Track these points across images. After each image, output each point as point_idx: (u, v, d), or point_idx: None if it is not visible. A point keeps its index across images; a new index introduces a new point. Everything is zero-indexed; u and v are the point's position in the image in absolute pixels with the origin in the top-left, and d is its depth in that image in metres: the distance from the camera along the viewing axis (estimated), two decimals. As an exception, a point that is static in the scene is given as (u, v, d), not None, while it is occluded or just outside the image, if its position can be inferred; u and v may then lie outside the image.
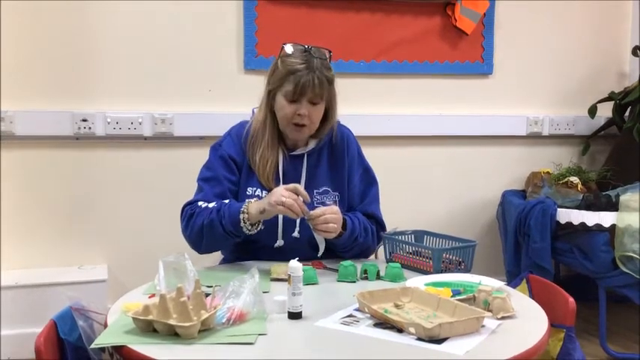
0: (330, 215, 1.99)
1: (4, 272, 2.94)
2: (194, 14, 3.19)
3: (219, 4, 3.22)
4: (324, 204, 2.12)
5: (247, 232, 1.98)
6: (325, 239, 2.09)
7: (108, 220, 3.15)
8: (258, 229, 2.00)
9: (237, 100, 3.24)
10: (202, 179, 2.14)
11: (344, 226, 2.07)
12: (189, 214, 2.05)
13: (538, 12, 3.72)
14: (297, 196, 1.94)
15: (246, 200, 2.00)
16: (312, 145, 2.16)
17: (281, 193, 1.92)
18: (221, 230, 1.99)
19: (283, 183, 2.10)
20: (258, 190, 2.11)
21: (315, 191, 2.14)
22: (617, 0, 3.87)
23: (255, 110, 2.20)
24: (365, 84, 3.45)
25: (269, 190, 2.07)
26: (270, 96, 2.10)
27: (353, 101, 3.38)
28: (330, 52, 2.10)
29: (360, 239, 2.13)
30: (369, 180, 2.26)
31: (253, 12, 3.24)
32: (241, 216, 1.96)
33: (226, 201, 2.03)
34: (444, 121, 3.59)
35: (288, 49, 2.06)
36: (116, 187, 3.15)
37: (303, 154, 2.16)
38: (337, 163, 2.20)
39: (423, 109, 3.57)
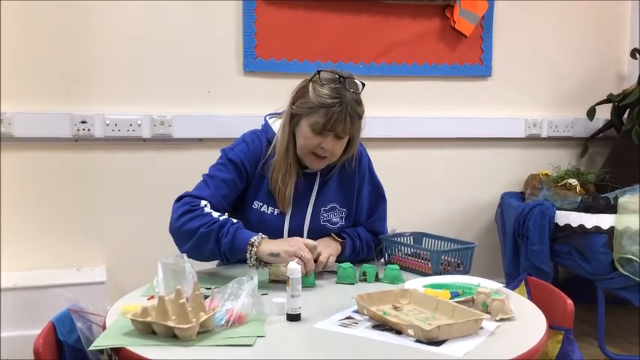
0: (320, 260, 1.96)
1: (3, 274, 2.94)
2: (193, 16, 3.19)
3: (219, 6, 3.22)
4: (330, 222, 2.12)
5: (250, 265, 1.88)
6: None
7: (107, 221, 3.15)
8: (259, 268, 1.88)
9: (237, 102, 3.25)
10: (211, 176, 2.05)
11: (343, 241, 2.10)
12: (188, 209, 1.94)
13: (537, 14, 3.73)
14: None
15: (260, 235, 1.90)
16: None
17: (301, 248, 1.85)
18: (213, 247, 1.90)
19: (294, 200, 2.08)
20: (264, 206, 2.08)
21: (322, 209, 2.12)
22: (615, 1, 3.88)
23: (267, 119, 2.16)
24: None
25: (275, 207, 2.07)
26: (294, 120, 2.03)
27: (352, 103, 3.38)
28: (363, 84, 2.03)
29: (361, 255, 2.15)
30: (377, 197, 2.24)
31: (252, 14, 3.24)
32: (250, 248, 1.87)
33: (235, 220, 1.94)
34: (442, 123, 3.60)
35: (323, 76, 1.98)
36: (115, 188, 3.15)
37: (317, 172, 2.12)
38: (348, 179, 2.16)
39: (421, 111, 3.57)
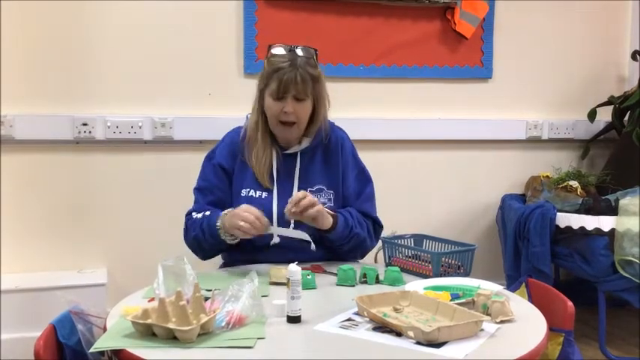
0: (303, 202, 1.99)
1: (4, 276, 2.94)
2: (194, 18, 3.19)
3: (219, 8, 3.22)
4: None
5: (231, 242, 2.05)
6: (320, 236, 2.11)
7: (108, 223, 3.15)
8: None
9: (237, 104, 3.22)
10: (197, 189, 2.22)
11: (335, 220, 2.10)
12: (185, 227, 2.16)
13: (538, 16, 3.73)
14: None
15: (222, 213, 2.04)
16: (305, 143, 2.19)
17: (241, 217, 1.95)
18: (207, 245, 2.11)
19: (277, 182, 2.16)
20: (252, 191, 2.15)
21: (309, 189, 2.15)
22: (616, 4, 3.88)
23: (248, 116, 2.25)
24: (364, 88, 3.45)
25: (264, 190, 2.14)
26: (261, 97, 2.15)
27: (352, 105, 3.38)
28: (316, 50, 2.13)
29: (355, 230, 2.15)
30: (363, 178, 2.28)
31: (253, 16, 3.24)
32: (220, 232, 2.04)
33: (207, 213, 2.09)
34: (443, 125, 3.59)
35: (274, 49, 2.10)
36: (116, 190, 3.15)
37: (297, 153, 2.19)
38: (331, 162, 2.22)
39: (422, 113, 3.57)
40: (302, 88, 2.06)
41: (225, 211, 2.04)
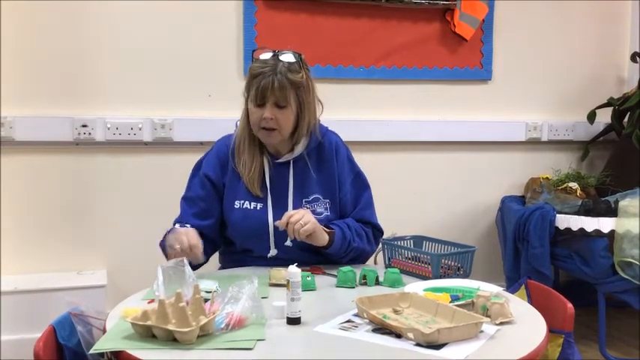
0: (293, 218, 1.96)
1: (4, 277, 2.94)
2: (194, 20, 3.19)
3: (219, 10, 3.23)
4: (315, 212, 2.09)
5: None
6: (319, 251, 2.09)
7: (107, 225, 3.16)
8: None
9: (237, 105, 3.19)
10: (182, 198, 2.17)
11: (331, 237, 2.06)
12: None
13: (537, 18, 3.73)
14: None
15: (169, 236, 1.96)
16: (297, 151, 2.13)
17: (178, 240, 1.88)
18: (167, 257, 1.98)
19: (270, 191, 2.10)
20: (246, 202, 2.10)
21: (304, 200, 2.12)
22: (615, 4, 3.88)
23: (237, 123, 2.20)
24: (364, 89, 3.45)
25: (258, 201, 2.09)
26: (246, 103, 2.11)
27: (352, 107, 3.39)
28: (301, 55, 2.07)
29: (353, 244, 2.11)
30: (361, 185, 2.22)
31: (253, 18, 3.25)
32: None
33: (176, 225, 2.02)
34: (443, 126, 3.60)
35: (259, 54, 2.07)
36: (116, 192, 3.16)
37: (289, 162, 2.13)
38: (326, 169, 2.16)
39: (422, 114, 3.57)
40: (280, 94, 2.00)
41: (177, 226, 1.98)
